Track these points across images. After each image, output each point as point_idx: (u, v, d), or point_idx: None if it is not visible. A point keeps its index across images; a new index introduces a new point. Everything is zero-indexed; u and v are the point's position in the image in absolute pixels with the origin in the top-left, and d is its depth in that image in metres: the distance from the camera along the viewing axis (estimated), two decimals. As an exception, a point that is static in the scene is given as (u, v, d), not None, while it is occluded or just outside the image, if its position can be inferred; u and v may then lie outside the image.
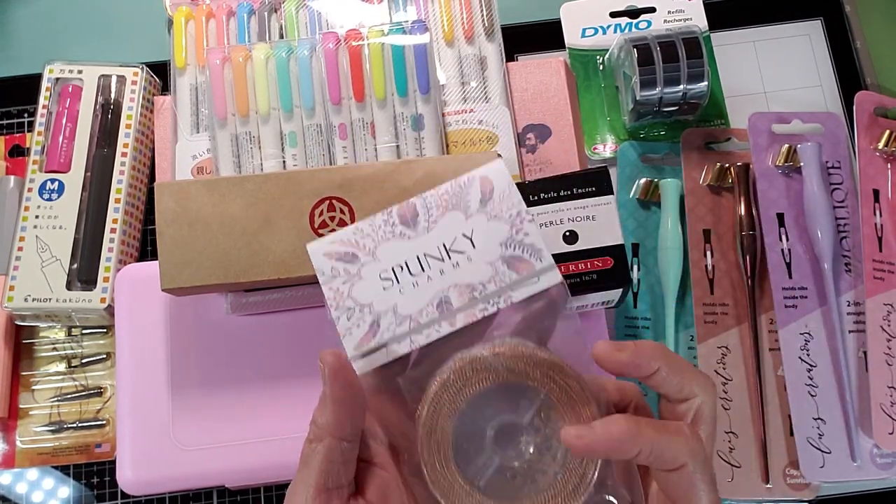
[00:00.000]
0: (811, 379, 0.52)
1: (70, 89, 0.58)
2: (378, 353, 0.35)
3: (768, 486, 0.52)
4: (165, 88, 0.61)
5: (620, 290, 0.48)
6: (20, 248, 0.54)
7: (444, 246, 0.37)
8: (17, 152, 0.61)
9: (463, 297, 0.36)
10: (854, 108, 0.58)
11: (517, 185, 0.39)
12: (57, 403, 0.56)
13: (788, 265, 0.55)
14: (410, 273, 0.37)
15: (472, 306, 0.36)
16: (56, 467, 0.55)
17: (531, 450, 0.35)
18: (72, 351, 0.57)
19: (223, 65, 0.54)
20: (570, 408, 0.34)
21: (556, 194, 0.48)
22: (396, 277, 0.37)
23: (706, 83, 0.56)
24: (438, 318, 0.36)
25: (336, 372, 0.33)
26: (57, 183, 0.56)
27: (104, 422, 0.55)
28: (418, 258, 0.37)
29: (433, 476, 0.34)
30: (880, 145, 0.57)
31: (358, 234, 0.38)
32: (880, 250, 0.55)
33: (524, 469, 0.35)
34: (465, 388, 0.34)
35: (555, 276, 0.36)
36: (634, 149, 0.59)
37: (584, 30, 0.62)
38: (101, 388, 0.56)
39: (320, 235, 0.45)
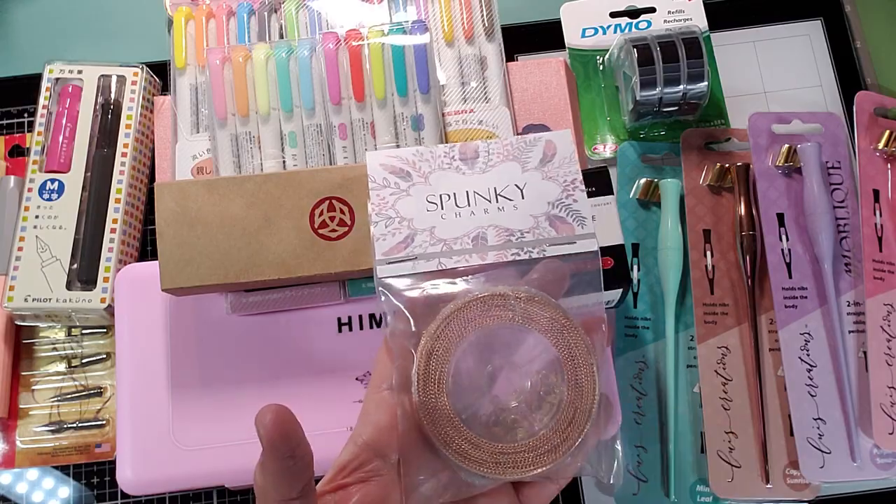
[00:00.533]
0: (811, 379, 0.52)
1: (70, 89, 0.58)
2: (404, 263, 0.36)
3: (768, 486, 0.52)
4: (165, 88, 0.61)
5: (620, 290, 0.48)
6: (20, 248, 0.54)
7: (495, 189, 0.38)
8: (17, 152, 0.61)
9: (500, 238, 0.37)
10: (854, 108, 0.58)
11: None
12: (57, 403, 0.56)
13: (788, 265, 0.55)
14: (456, 204, 0.38)
15: (505, 248, 0.37)
16: (56, 467, 0.55)
17: (522, 402, 0.35)
18: (72, 351, 0.57)
19: (223, 65, 0.54)
20: (572, 372, 0.35)
21: (556, 194, 0.48)
22: (442, 204, 0.38)
23: (706, 83, 0.56)
24: (471, 249, 0.37)
25: (271, 440, 0.31)
26: (57, 183, 0.56)
27: (104, 422, 0.55)
28: (467, 193, 0.38)
29: (422, 393, 0.34)
30: (880, 145, 0.57)
31: (417, 156, 0.39)
32: (880, 250, 0.55)
33: (509, 418, 0.35)
34: (479, 318, 0.35)
35: (591, 244, 0.37)
36: (634, 149, 0.59)
37: (584, 30, 0.62)
38: (101, 388, 0.56)
39: (320, 236, 0.45)
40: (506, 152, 0.39)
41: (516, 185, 0.38)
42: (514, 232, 0.37)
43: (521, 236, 0.37)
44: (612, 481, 0.36)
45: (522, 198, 0.38)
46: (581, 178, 0.38)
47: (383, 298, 0.36)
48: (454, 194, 0.38)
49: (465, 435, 0.34)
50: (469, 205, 0.38)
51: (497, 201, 0.38)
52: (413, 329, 0.35)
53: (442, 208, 0.38)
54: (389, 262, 0.36)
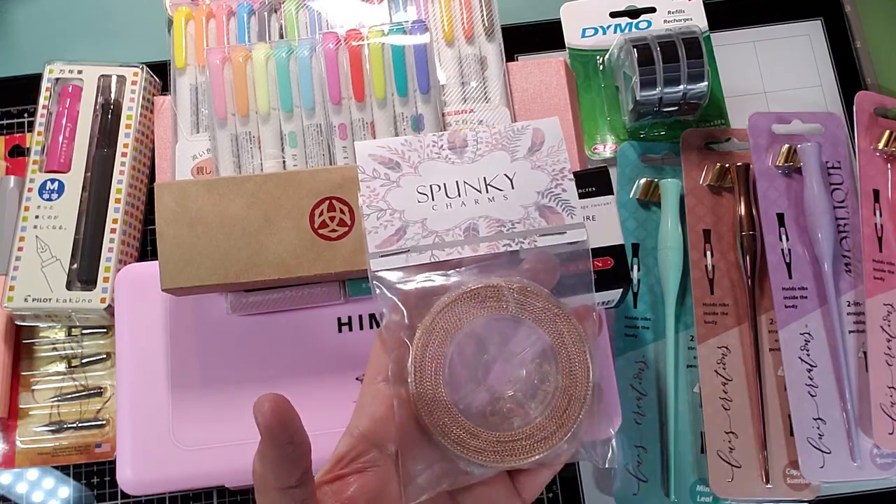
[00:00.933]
0: (811, 379, 0.52)
1: (70, 89, 0.58)
2: (398, 256, 0.36)
3: (768, 486, 0.52)
4: (165, 88, 0.61)
5: (620, 290, 0.48)
6: (20, 248, 0.54)
7: (485, 179, 0.38)
8: (17, 152, 0.61)
9: (491, 228, 0.37)
10: (854, 108, 0.58)
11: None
12: (57, 403, 0.56)
13: (788, 265, 0.55)
14: (447, 195, 0.38)
15: (496, 239, 0.37)
16: (56, 467, 0.55)
17: (518, 390, 0.35)
18: (72, 351, 0.57)
19: (223, 65, 0.54)
20: (565, 360, 0.35)
21: (556, 194, 0.48)
22: (432, 195, 0.38)
23: (706, 83, 0.56)
24: (463, 241, 0.37)
25: (269, 428, 0.31)
26: (57, 183, 0.56)
27: (104, 422, 0.55)
28: (457, 183, 0.38)
29: (419, 384, 0.34)
30: (880, 145, 0.57)
31: (406, 145, 0.39)
32: (880, 250, 0.55)
33: (505, 407, 0.35)
34: (473, 310, 0.35)
35: (581, 234, 0.37)
36: (634, 149, 0.59)
37: (584, 30, 0.62)
38: (101, 388, 0.56)
39: (320, 236, 0.45)
40: (494, 141, 0.39)
41: (506, 174, 0.38)
42: (505, 223, 0.37)
43: (512, 227, 0.37)
44: (606, 465, 0.36)
45: (512, 188, 0.38)
46: (569, 166, 0.39)
47: (377, 291, 0.36)
48: (444, 185, 0.38)
49: (463, 424, 0.34)
50: (460, 195, 0.38)
51: (487, 192, 0.38)
52: (407, 321, 0.35)
53: (433, 199, 0.38)
54: (382, 255, 0.36)
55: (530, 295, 0.35)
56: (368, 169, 0.38)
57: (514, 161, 0.39)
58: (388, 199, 0.38)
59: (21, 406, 0.56)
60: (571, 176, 0.38)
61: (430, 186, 0.38)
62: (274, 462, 0.32)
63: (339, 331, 0.50)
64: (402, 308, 0.35)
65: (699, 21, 0.61)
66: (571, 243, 0.37)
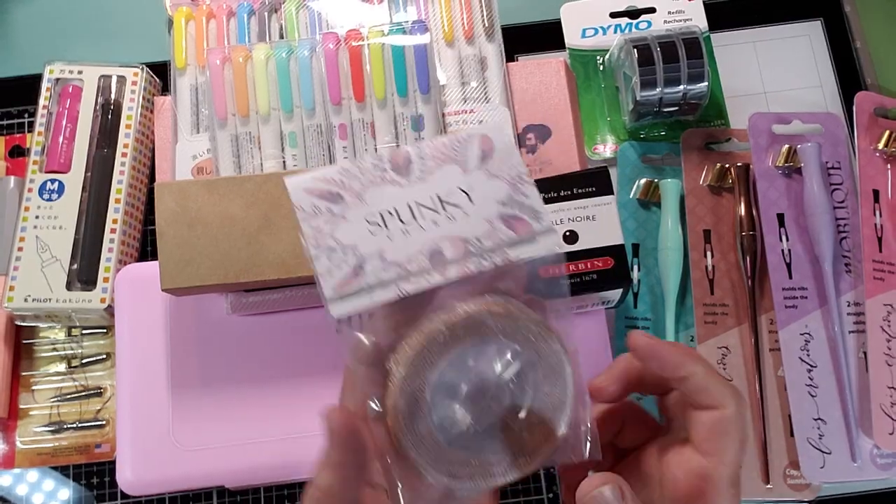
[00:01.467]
0: (811, 379, 0.52)
1: (70, 89, 0.58)
2: (360, 297, 0.33)
3: (768, 486, 0.52)
4: (165, 89, 0.61)
5: (620, 290, 0.48)
6: (20, 249, 0.54)
7: (439, 197, 0.35)
8: (18, 152, 0.61)
9: (457, 249, 0.34)
10: (854, 108, 0.58)
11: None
12: (57, 404, 0.56)
13: (789, 265, 0.55)
14: (401, 220, 0.34)
15: (465, 259, 0.34)
16: (56, 468, 0.55)
17: (502, 409, 0.35)
18: (72, 351, 0.57)
19: (223, 65, 0.54)
20: (549, 372, 0.34)
21: (556, 194, 0.48)
22: (385, 223, 0.35)
23: (706, 83, 0.56)
24: (430, 267, 0.34)
25: (341, 435, 0.31)
26: (57, 183, 0.56)
27: (104, 422, 0.55)
28: (409, 206, 0.35)
29: (400, 419, 0.33)
30: (880, 146, 0.57)
31: (343, 174, 0.35)
32: (880, 251, 0.55)
33: (491, 426, 0.34)
34: (452, 345, 0.33)
35: (553, 240, 0.35)
36: (634, 149, 0.59)
37: (584, 30, 0.62)
38: (100, 388, 0.56)
39: (320, 236, 0.45)
40: (441, 155, 0.36)
41: (461, 188, 0.35)
42: (471, 240, 0.34)
43: (479, 243, 0.34)
44: (587, 456, 0.35)
45: (471, 202, 0.35)
46: (526, 170, 0.36)
47: (342, 333, 0.34)
48: (396, 210, 0.35)
49: (452, 456, 0.33)
50: (416, 219, 0.35)
51: (445, 210, 0.35)
52: (380, 357, 0.34)
53: (386, 228, 0.34)
54: (342, 298, 0.34)
55: (512, 318, 0.34)
56: (307, 206, 0.35)
57: (467, 173, 0.36)
58: (336, 237, 0.34)
59: (21, 406, 0.56)
60: (532, 180, 0.35)
61: (381, 214, 0.35)
62: (342, 469, 0.31)
63: (339, 331, 0.50)
64: (373, 344, 0.34)
65: (699, 21, 0.61)
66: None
